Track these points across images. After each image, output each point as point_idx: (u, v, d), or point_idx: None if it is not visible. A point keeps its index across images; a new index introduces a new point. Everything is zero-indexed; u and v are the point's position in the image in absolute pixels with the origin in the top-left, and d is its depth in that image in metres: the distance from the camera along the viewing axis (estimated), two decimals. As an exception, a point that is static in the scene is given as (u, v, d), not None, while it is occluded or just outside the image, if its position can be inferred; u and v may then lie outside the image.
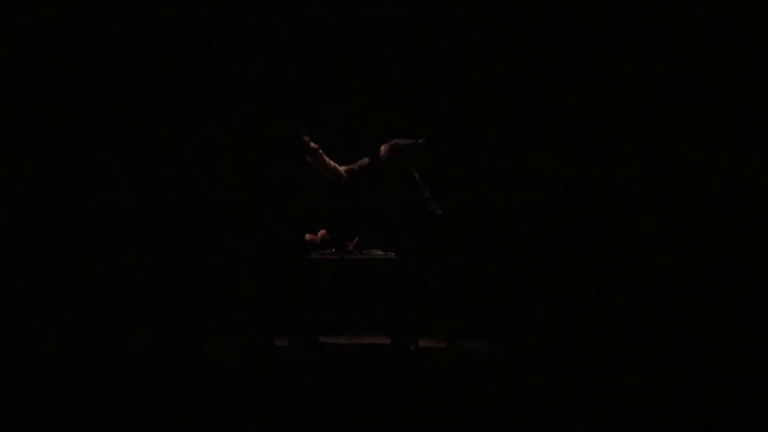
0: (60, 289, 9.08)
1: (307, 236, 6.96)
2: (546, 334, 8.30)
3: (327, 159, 7.12)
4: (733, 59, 9.04)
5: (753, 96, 8.97)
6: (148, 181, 9.44)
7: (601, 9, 9.26)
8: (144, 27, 9.29)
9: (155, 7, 9.27)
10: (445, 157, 7.00)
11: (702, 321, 8.45)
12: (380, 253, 6.96)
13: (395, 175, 6.86)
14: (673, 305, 8.90)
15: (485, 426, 4.51)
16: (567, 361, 6.57)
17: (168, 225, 9.46)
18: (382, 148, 6.95)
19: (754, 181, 8.98)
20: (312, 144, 7.05)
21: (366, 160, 7.03)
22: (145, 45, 9.32)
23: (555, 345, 7.40)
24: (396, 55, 9.54)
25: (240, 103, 9.52)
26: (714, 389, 5.50)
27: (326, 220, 7.25)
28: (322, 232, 7.12)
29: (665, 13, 9.13)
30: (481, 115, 9.55)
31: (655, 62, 9.24)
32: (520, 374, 6.18)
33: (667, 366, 6.39)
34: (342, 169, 7.14)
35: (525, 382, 5.87)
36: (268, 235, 7.03)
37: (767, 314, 8.45)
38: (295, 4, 9.42)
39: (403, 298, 6.83)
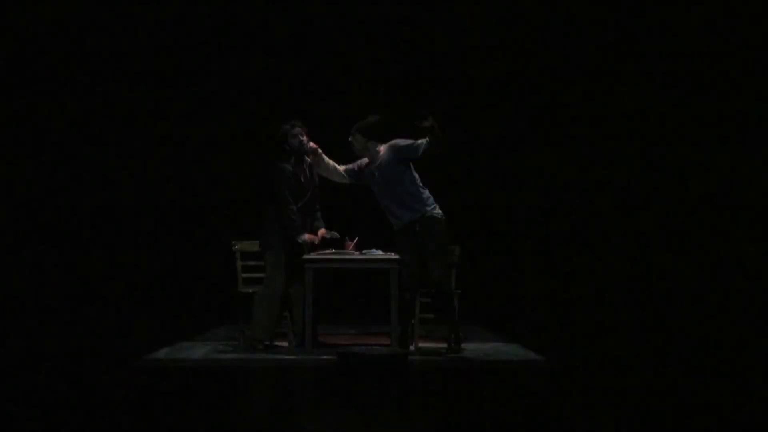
0: (59, 289, 9.08)
1: (307, 236, 6.96)
2: (546, 334, 8.30)
3: (327, 159, 7.11)
4: (733, 59, 9.05)
5: (753, 96, 8.98)
6: (148, 181, 9.44)
7: (601, 9, 9.26)
8: (144, 27, 9.30)
9: (155, 7, 9.28)
10: (445, 157, 7.00)
11: (702, 321, 8.45)
12: (380, 253, 6.95)
13: (394, 175, 6.85)
14: (673, 305, 8.90)
15: (485, 426, 4.51)
16: (567, 361, 6.57)
17: (168, 225, 9.46)
18: (382, 147, 6.95)
19: (754, 181, 8.99)
20: (312, 144, 7.04)
21: (366, 160, 7.02)
22: (145, 45, 9.33)
23: (555, 345, 7.40)
24: (396, 55, 9.55)
25: (240, 103, 9.53)
26: (714, 389, 5.51)
27: (326, 220, 7.25)
28: (321, 231, 7.12)
29: (665, 13, 9.13)
30: (481, 115, 9.55)
31: (655, 62, 9.26)
32: (521, 374, 6.18)
33: (667, 366, 6.39)
34: (342, 168, 7.14)
35: (525, 382, 5.87)
36: (267, 235, 7.03)
37: (767, 314, 8.46)
38: (295, 4, 9.43)
39: (403, 298, 6.83)
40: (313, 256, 6.88)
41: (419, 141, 6.76)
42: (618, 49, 9.30)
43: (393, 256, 6.87)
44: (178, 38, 9.36)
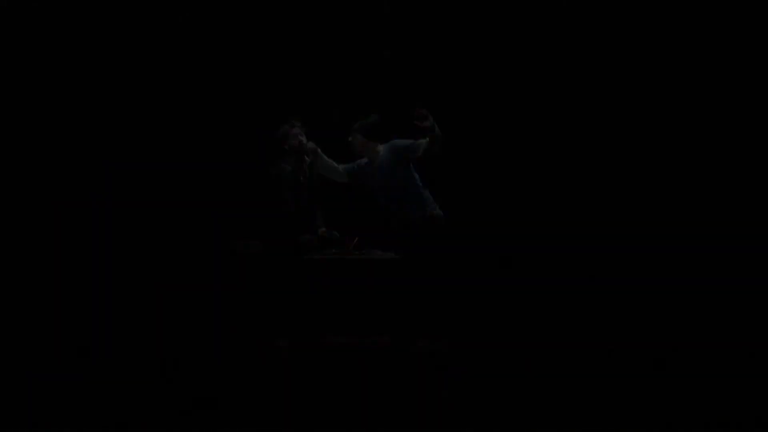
0: (59, 289, 9.07)
1: (306, 236, 6.96)
2: (544, 334, 8.29)
3: (326, 159, 7.11)
4: (733, 59, 9.05)
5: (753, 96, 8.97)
6: (147, 180, 9.42)
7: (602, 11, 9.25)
8: (143, 27, 9.29)
9: (155, 6, 9.26)
10: (444, 156, 6.99)
11: (702, 321, 8.44)
12: (380, 253, 6.95)
13: (394, 175, 6.85)
14: (674, 305, 8.89)
15: (485, 427, 4.51)
16: (565, 361, 6.57)
17: (166, 224, 9.44)
18: (382, 147, 6.95)
19: (753, 179, 8.98)
20: (310, 144, 7.04)
21: (366, 160, 7.02)
22: (146, 42, 9.31)
23: (552, 345, 7.39)
24: (395, 55, 9.53)
25: (240, 104, 9.50)
26: (715, 390, 5.51)
27: (326, 220, 7.24)
28: (321, 231, 7.12)
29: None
30: (482, 115, 9.54)
31: (652, 62, 9.25)
32: (520, 374, 6.18)
33: (667, 366, 6.39)
34: (342, 168, 7.14)
35: (524, 383, 5.87)
36: (267, 236, 7.02)
37: (767, 314, 8.45)
38: (295, 4, 9.41)
39: (403, 298, 6.83)
40: (312, 256, 6.87)
41: (419, 141, 6.76)
42: (616, 50, 9.30)
43: (393, 256, 6.87)
44: (178, 38, 9.35)
